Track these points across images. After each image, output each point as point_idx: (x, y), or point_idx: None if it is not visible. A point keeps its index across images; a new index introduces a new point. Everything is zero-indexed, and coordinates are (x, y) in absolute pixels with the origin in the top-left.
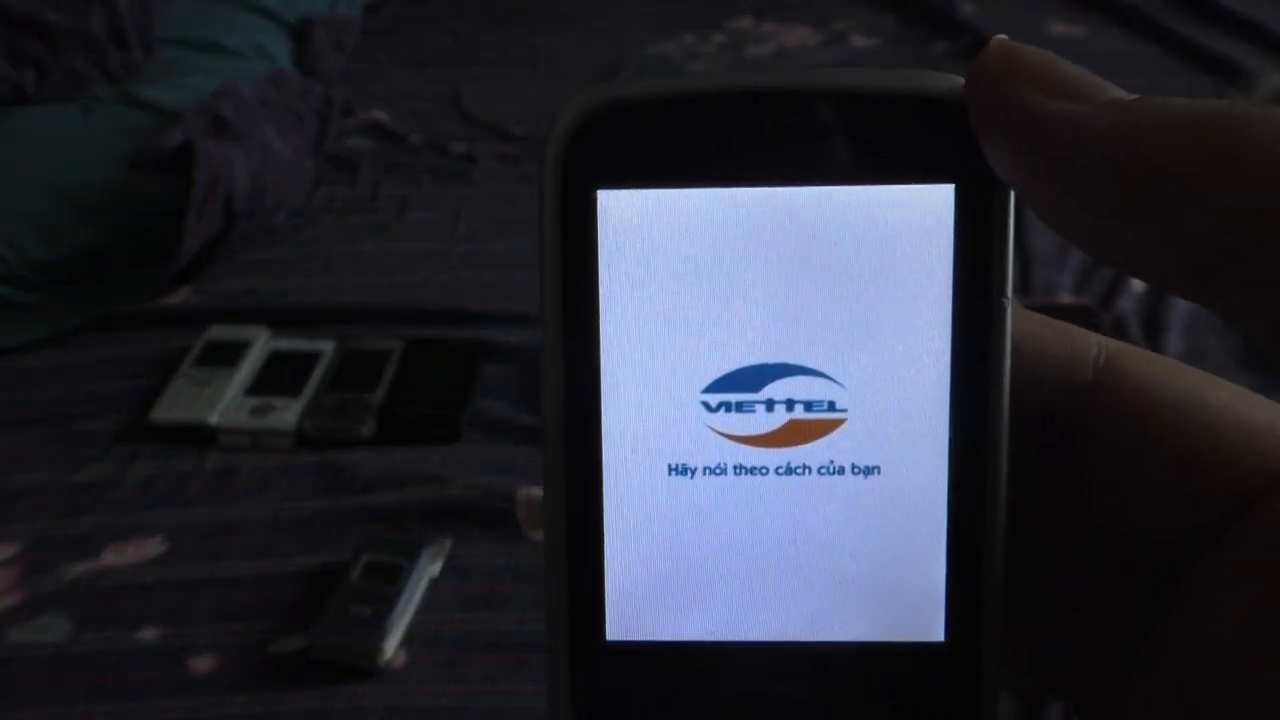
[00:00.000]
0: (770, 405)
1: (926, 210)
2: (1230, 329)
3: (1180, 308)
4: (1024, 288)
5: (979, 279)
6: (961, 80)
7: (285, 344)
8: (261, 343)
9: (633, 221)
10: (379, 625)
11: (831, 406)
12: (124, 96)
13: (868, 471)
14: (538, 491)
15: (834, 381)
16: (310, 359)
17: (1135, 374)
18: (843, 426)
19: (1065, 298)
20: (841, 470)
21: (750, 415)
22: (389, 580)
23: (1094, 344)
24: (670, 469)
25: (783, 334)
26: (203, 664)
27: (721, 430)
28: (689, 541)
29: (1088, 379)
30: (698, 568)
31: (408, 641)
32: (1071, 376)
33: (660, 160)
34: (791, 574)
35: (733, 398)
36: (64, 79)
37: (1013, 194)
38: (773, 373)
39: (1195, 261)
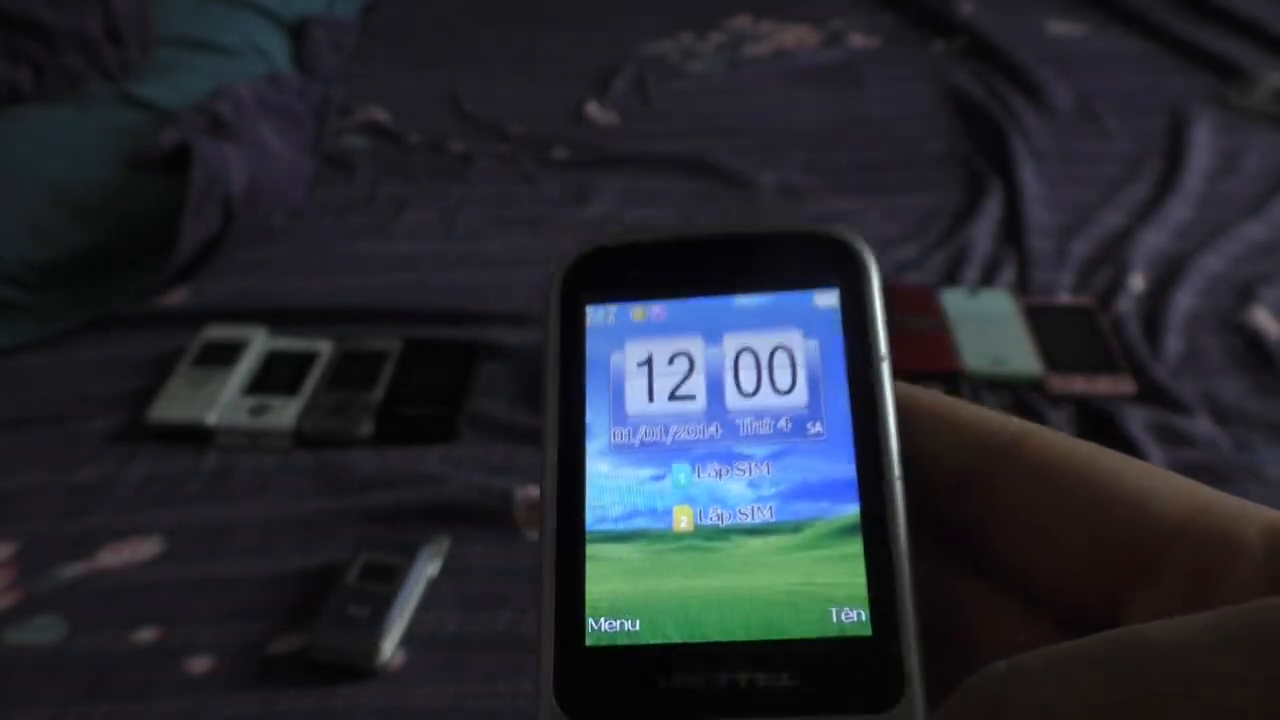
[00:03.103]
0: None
1: (823, 304)
2: None
3: (1180, 308)
4: (1025, 288)
5: (862, 347)
6: (840, 227)
7: (283, 344)
8: (259, 342)
9: (610, 324)
10: (377, 625)
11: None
12: (121, 96)
13: None
14: (536, 491)
15: (762, 445)
16: (308, 359)
17: (1040, 443)
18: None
19: (1065, 298)
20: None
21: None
22: (387, 580)
23: (1008, 420)
24: (634, 513)
25: (722, 403)
26: (200, 664)
27: (674, 485)
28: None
29: (1003, 444)
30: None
31: (406, 641)
32: (989, 443)
33: (628, 283)
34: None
35: (684, 460)
36: (60, 78)
37: (877, 291)
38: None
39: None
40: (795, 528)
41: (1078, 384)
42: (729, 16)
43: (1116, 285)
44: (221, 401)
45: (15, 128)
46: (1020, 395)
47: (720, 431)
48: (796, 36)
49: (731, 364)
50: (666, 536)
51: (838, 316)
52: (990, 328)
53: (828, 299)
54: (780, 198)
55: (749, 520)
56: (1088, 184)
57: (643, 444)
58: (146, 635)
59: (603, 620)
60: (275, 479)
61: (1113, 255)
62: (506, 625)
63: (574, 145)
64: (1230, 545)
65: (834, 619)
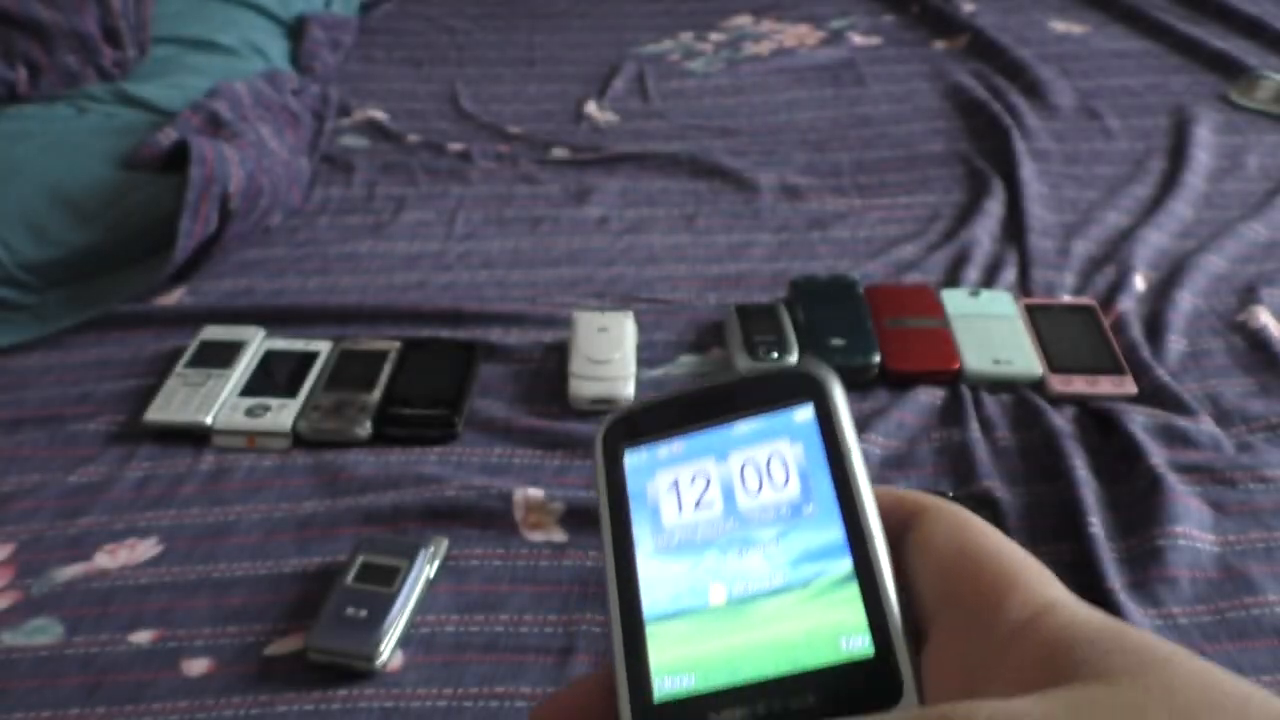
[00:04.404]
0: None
1: (803, 416)
2: None
3: (1181, 308)
4: (1026, 288)
5: (836, 442)
6: (807, 363)
7: (281, 344)
8: (257, 343)
9: (643, 461)
10: (375, 627)
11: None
12: (118, 95)
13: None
14: (535, 492)
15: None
16: (306, 359)
17: (934, 511)
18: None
19: (1067, 298)
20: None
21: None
22: (385, 582)
23: (923, 498)
24: (678, 596)
25: (734, 504)
26: (197, 666)
27: (707, 570)
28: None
29: (913, 511)
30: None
31: (404, 643)
32: (906, 508)
33: (651, 430)
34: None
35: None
36: (58, 77)
37: (839, 402)
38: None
39: None
40: (804, 584)
41: (1079, 385)
42: (729, 16)
43: (1118, 285)
44: (219, 402)
45: (12, 127)
46: (1021, 396)
47: (736, 525)
48: (797, 36)
49: (738, 473)
50: (706, 611)
51: (815, 424)
52: (991, 328)
53: (805, 413)
54: (780, 197)
55: (768, 586)
56: (1089, 183)
57: (679, 544)
58: (144, 637)
59: (666, 679)
60: (273, 480)
61: (1114, 255)
62: (505, 627)
63: (574, 145)
64: (1064, 647)
65: (843, 647)
